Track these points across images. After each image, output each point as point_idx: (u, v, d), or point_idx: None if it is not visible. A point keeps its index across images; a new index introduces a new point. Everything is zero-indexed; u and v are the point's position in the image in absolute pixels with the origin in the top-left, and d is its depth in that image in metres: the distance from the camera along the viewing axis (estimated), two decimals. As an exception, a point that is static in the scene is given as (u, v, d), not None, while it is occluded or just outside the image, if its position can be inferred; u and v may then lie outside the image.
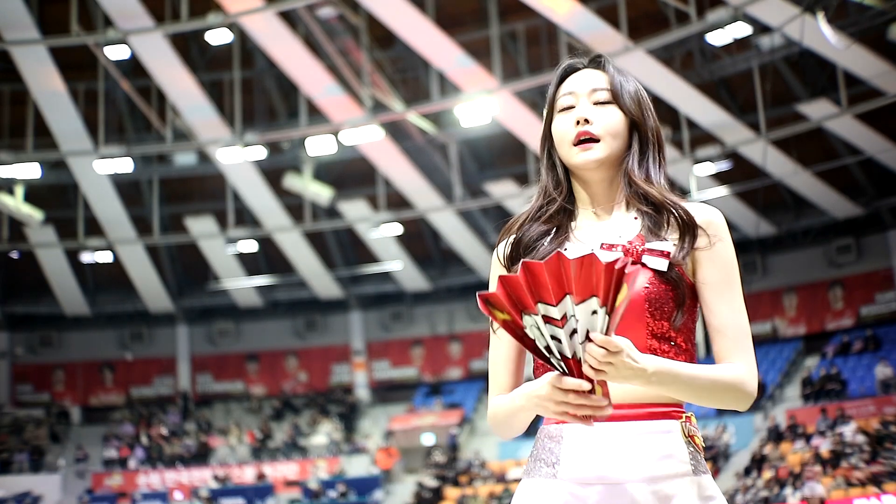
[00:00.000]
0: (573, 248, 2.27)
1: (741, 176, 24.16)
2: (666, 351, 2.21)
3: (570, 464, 2.20)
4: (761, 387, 25.24)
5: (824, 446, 21.42)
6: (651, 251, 2.21)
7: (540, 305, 1.90)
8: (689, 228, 2.25)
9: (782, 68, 23.51)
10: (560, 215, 2.37)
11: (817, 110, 22.45)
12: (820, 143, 23.82)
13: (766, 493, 20.62)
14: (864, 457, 20.45)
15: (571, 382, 1.95)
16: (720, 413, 25.04)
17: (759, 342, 27.20)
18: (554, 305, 1.89)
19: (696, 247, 2.25)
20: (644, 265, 2.21)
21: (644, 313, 2.20)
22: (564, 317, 1.90)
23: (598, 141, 2.31)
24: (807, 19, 19.33)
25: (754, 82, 22.86)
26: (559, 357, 1.95)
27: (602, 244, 2.26)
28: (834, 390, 23.92)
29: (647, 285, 2.20)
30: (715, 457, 23.26)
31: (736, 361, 2.22)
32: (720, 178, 24.29)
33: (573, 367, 1.95)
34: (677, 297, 2.22)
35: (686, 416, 2.25)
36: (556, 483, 2.21)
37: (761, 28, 21.53)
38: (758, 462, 22.20)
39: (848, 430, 21.59)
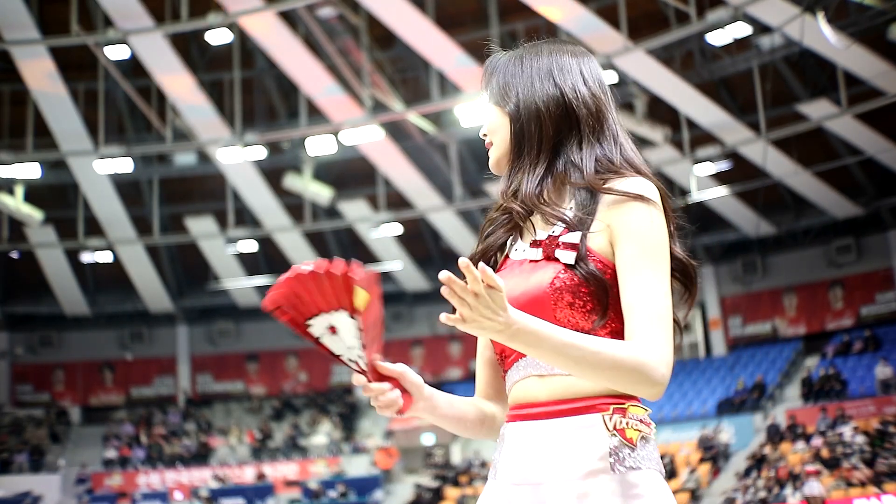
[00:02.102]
0: (518, 249, 2.26)
1: (741, 176, 24.16)
2: None
3: (505, 465, 2.21)
4: (761, 387, 25.24)
5: (824, 446, 21.42)
6: (563, 244, 2.13)
7: (314, 318, 2.06)
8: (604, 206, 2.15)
9: (782, 68, 23.51)
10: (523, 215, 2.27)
11: (817, 110, 22.45)
12: (820, 143, 23.82)
13: (766, 493, 20.62)
14: (864, 457, 20.45)
15: (357, 379, 2.10)
16: (720, 413, 25.05)
17: (759, 342, 27.22)
18: (319, 314, 2.05)
19: (607, 224, 2.12)
20: (557, 259, 2.13)
21: (550, 308, 2.10)
22: (332, 326, 2.05)
23: (491, 145, 2.32)
24: (807, 19, 19.33)
25: (754, 82, 22.86)
26: (349, 359, 2.10)
27: (531, 241, 2.21)
28: (834, 390, 23.92)
29: (554, 280, 2.11)
30: (715, 457, 23.26)
31: (638, 340, 2.02)
32: (720, 178, 24.29)
33: (361, 368, 2.10)
34: (593, 293, 2.10)
35: (615, 408, 2.10)
36: (496, 484, 2.23)
37: (761, 28, 21.53)
38: (758, 462, 22.21)
39: (848, 430, 21.59)
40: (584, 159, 2.20)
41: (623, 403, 2.11)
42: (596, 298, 2.11)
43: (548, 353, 1.99)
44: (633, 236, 2.09)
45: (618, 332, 2.11)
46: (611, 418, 2.10)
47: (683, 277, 2.22)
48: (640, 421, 2.11)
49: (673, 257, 2.17)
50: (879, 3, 19.81)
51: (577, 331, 2.08)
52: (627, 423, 2.10)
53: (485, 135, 2.32)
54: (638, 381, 2.01)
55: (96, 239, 27.32)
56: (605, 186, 2.14)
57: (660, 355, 2.02)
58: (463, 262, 1.88)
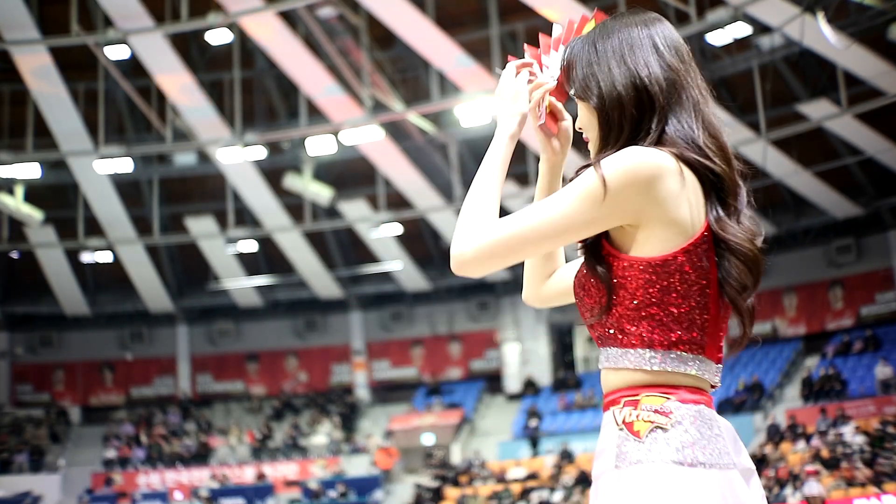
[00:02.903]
0: None
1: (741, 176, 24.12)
2: (609, 339, 2.13)
3: None
4: (761, 387, 25.24)
5: (824, 446, 21.42)
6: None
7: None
8: None
9: (782, 68, 23.51)
10: None
11: (817, 110, 22.45)
12: (820, 143, 23.82)
13: (766, 493, 20.59)
14: (864, 457, 20.45)
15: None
16: (720, 412, 25.01)
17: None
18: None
19: None
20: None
21: (577, 302, 2.20)
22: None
23: (588, 140, 2.31)
24: (807, 19, 19.33)
25: (754, 82, 22.86)
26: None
27: None
28: (834, 390, 23.92)
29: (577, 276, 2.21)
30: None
31: (495, 219, 2.09)
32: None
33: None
34: (601, 286, 2.11)
35: (627, 401, 2.07)
36: None
37: (761, 28, 21.53)
38: (757, 462, 22.22)
39: (848, 430, 21.59)
40: (654, 137, 2.12)
41: (637, 394, 2.07)
42: (601, 294, 2.11)
43: (488, 157, 2.19)
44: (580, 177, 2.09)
45: (617, 332, 2.10)
46: (620, 411, 2.07)
47: (743, 264, 2.09)
48: (655, 411, 2.03)
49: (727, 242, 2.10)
50: (879, 3, 19.81)
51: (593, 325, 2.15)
52: (638, 416, 2.04)
53: (580, 129, 2.28)
54: (457, 233, 2.10)
55: (96, 239, 27.32)
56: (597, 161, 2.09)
57: (480, 235, 2.07)
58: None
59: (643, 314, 2.07)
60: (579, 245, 2.14)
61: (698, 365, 2.08)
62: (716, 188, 2.12)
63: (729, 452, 2.04)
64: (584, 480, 23.32)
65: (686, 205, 2.06)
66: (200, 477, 27.84)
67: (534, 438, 26.24)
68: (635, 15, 2.23)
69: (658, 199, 2.04)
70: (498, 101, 2.26)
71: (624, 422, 2.05)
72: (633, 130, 2.13)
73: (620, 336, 2.10)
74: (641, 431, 2.02)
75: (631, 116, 2.13)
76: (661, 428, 2.01)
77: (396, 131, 25.54)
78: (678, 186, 2.06)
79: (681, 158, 2.08)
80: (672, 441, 2.00)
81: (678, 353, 2.07)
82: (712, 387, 2.14)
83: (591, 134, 2.23)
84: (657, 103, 2.12)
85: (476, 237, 2.07)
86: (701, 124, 2.14)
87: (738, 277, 2.07)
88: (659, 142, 2.10)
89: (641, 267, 2.06)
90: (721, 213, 2.10)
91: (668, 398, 2.05)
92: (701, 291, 2.07)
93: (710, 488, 1.97)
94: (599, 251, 2.11)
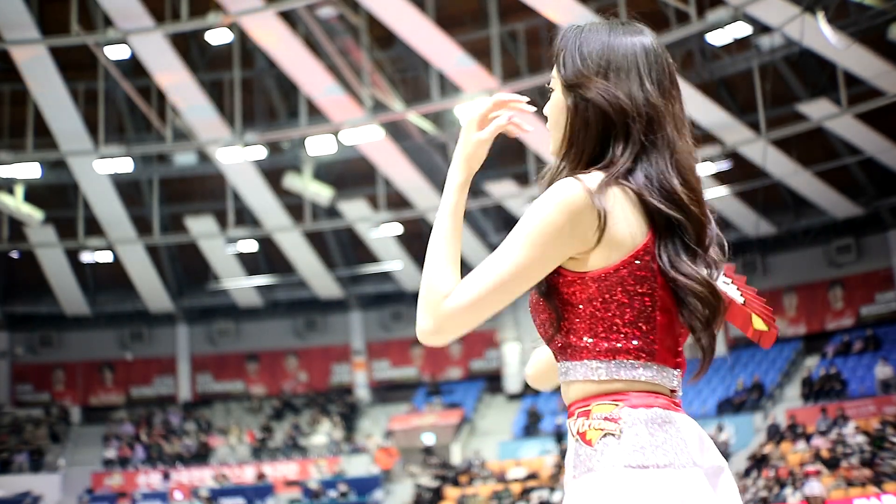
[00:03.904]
0: None
1: (741, 176, 24.15)
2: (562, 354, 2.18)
3: None
4: (761, 387, 25.23)
5: (824, 446, 21.42)
6: None
7: None
8: None
9: (782, 68, 23.51)
10: None
11: (817, 110, 22.45)
12: (820, 143, 23.81)
13: (766, 493, 20.62)
14: (864, 457, 20.45)
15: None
16: (720, 412, 25.05)
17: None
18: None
19: None
20: None
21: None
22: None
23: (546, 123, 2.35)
24: (807, 19, 19.33)
25: (754, 82, 22.85)
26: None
27: None
28: (834, 390, 23.92)
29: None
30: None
31: (455, 282, 2.08)
32: (720, 178, 24.29)
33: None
34: (550, 310, 2.17)
35: (580, 412, 2.13)
36: None
37: (761, 28, 21.52)
38: (758, 462, 22.20)
39: (848, 430, 21.59)
40: (621, 171, 2.12)
41: (588, 405, 2.12)
42: (550, 317, 2.16)
43: (439, 212, 2.19)
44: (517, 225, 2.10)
45: (567, 347, 2.15)
46: (575, 422, 2.14)
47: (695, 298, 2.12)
48: (605, 419, 2.08)
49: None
50: (879, 3, 19.81)
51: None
52: (590, 425, 2.09)
53: (546, 114, 2.26)
54: (420, 304, 2.09)
55: (96, 239, 27.31)
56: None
57: (447, 302, 2.05)
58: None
59: (589, 327, 2.12)
60: None
61: (648, 371, 2.12)
62: (680, 230, 2.13)
63: (686, 452, 2.06)
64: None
65: (623, 223, 2.09)
66: (200, 477, 27.84)
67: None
68: (623, 27, 2.24)
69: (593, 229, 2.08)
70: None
71: (578, 432, 2.11)
72: (598, 153, 2.15)
73: (570, 350, 2.15)
74: (593, 440, 2.07)
75: (595, 137, 2.15)
76: (612, 434, 2.06)
77: (396, 131, 25.54)
78: (615, 209, 2.08)
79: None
80: (623, 446, 2.04)
81: (625, 361, 2.11)
82: (673, 391, 2.16)
83: (555, 133, 2.24)
84: (631, 138, 2.13)
85: (436, 310, 2.06)
86: (675, 167, 2.15)
87: (696, 312, 2.11)
88: (608, 170, 2.12)
89: (585, 282, 2.10)
90: (679, 252, 2.12)
91: (617, 405, 2.09)
92: (646, 301, 2.10)
93: (662, 489, 2.00)
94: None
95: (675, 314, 2.13)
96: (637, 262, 2.09)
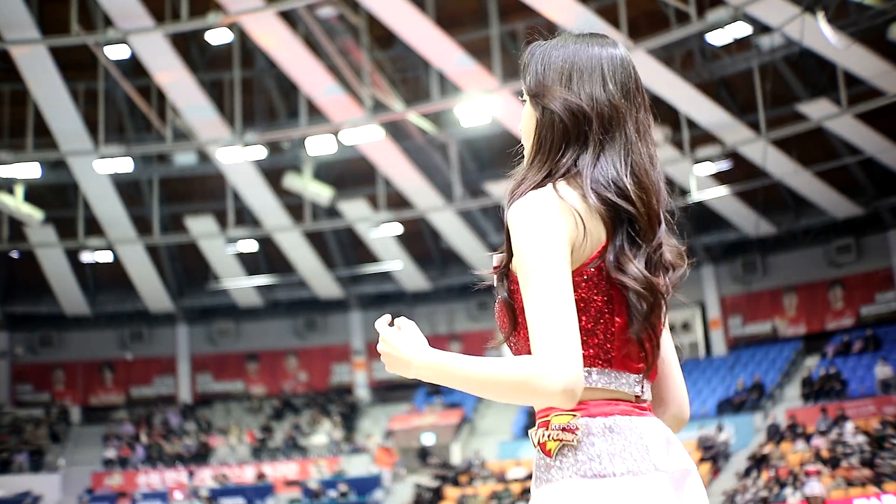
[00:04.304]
0: None
1: (741, 176, 24.15)
2: None
3: None
4: (761, 387, 25.24)
5: (824, 446, 21.42)
6: (494, 266, 2.22)
7: None
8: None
9: (782, 68, 23.51)
10: None
11: (817, 110, 22.45)
12: (820, 143, 23.81)
13: (766, 493, 20.62)
14: (864, 457, 20.45)
15: None
16: (720, 412, 25.05)
17: (759, 342, 27.21)
18: None
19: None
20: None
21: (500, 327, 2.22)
22: None
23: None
24: (807, 19, 19.33)
25: (754, 82, 22.85)
26: None
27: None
28: (834, 390, 23.92)
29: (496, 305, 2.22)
30: (715, 457, 23.27)
31: (527, 355, 2.04)
32: (720, 178, 24.29)
33: None
34: (506, 312, 2.17)
35: (540, 423, 2.14)
36: None
37: (761, 28, 21.52)
38: (758, 462, 22.20)
39: (848, 430, 21.59)
40: (571, 169, 2.17)
41: (547, 415, 2.12)
42: (508, 317, 2.17)
43: (458, 384, 2.09)
44: (515, 255, 2.09)
45: (524, 353, 2.14)
46: (535, 433, 2.15)
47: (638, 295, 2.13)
48: (563, 429, 2.09)
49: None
50: (879, 3, 19.81)
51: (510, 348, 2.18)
52: (549, 435, 2.10)
53: (520, 130, 2.32)
54: (532, 393, 1.99)
55: (96, 239, 27.31)
56: (508, 207, 2.15)
57: (545, 366, 1.97)
58: (378, 325, 2.22)
59: None
60: (493, 270, 2.20)
61: (605, 378, 2.12)
62: (629, 224, 2.14)
63: (647, 458, 2.06)
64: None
65: (579, 237, 2.10)
66: (200, 477, 27.84)
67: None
68: (591, 38, 2.26)
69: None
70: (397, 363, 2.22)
71: (539, 442, 2.12)
72: (559, 156, 2.18)
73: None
74: (552, 450, 2.09)
75: (560, 140, 2.19)
76: (569, 444, 2.08)
77: (396, 131, 25.54)
78: (572, 227, 2.10)
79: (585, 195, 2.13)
80: (579, 456, 2.06)
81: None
82: (637, 397, 2.16)
83: (527, 143, 2.28)
84: (590, 136, 2.17)
85: (556, 366, 1.98)
86: (629, 165, 2.16)
87: (633, 308, 2.11)
88: (569, 174, 2.16)
89: None
90: (624, 248, 2.12)
91: (574, 415, 2.09)
92: (601, 308, 2.11)
93: (618, 497, 2.02)
94: (505, 276, 2.17)
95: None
96: (591, 268, 2.10)
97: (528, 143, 2.27)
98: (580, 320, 2.07)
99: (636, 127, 2.20)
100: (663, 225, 2.20)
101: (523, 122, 2.29)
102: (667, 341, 2.31)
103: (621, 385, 2.13)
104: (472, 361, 2.06)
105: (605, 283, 2.11)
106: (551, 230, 2.07)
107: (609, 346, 2.12)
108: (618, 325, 2.12)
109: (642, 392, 2.17)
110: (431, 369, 2.10)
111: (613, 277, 2.10)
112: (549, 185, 2.13)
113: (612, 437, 2.07)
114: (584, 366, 2.08)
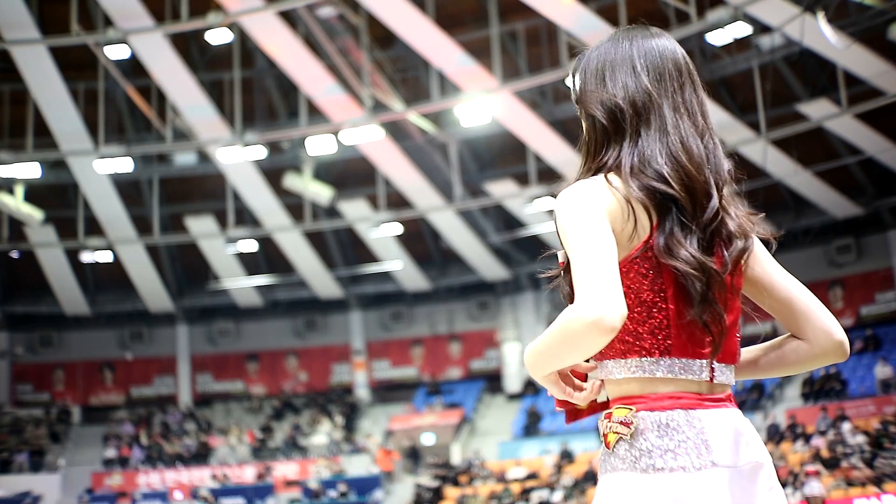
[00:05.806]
0: None
1: (741, 176, 24.12)
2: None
3: None
4: (761, 387, 25.24)
5: (824, 446, 21.42)
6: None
7: None
8: None
9: (782, 68, 23.50)
10: None
11: (817, 110, 22.45)
12: (820, 143, 23.82)
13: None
14: (864, 457, 20.45)
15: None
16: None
17: (759, 342, 27.20)
18: None
19: None
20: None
21: None
22: None
23: None
24: (807, 19, 19.33)
25: (754, 82, 22.85)
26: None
27: None
28: (834, 390, 23.92)
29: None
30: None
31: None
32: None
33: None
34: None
35: (606, 414, 2.18)
36: None
37: (761, 28, 21.53)
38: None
39: (848, 430, 21.59)
40: (612, 163, 2.21)
41: (611, 408, 2.17)
42: None
43: (541, 364, 2.11)
44: (560, 236, 2.13)
45: None
46: (601, 424, 2.18)
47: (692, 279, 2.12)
48: (621, 422, 2.12)
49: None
50: (879, 3, 19.81)
51: None
52: (610, 428, 2.14)
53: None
54: (574, 335, 1.96)
55: (96, 239, 27.31)
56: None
57: (584, 300, 1.95)
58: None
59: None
60: (560, 265, 2.25)
61: (664, 367, 2.12)
62: (676, 207, 2.15)
63: (705, 454, 2.07)
64: (583, 480, 23.32)
65: (624, 221, 2.12)
66: (200, 477, 27.84)
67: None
68: (626, 32, 2.31)
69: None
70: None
71: (603, 434, 2.17)
72: (603, 154, 2.23)
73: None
74: (611, 442, 2.13)
75: (602, 139, 2.23)
76: (624, 438, 2.11)
77: (396, 131, 25.54)
78: (615, 208, 2.12)
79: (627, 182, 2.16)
80: (633, 450, 2.10)
81: (637, 359, 2.13)
82: (706, 383, 2.15)
83: (583, 148, 2.33)
84: (626, 128, 2.21)
85: (588, 301, 1.97)
86: (665, 145, 2.18)
87: (691, 291, 2.12)
88: (615, 167, 2.19)
89: None
90: (674, 232, 2.13)
91: (630, 409, 2.12)
92: (654, 296, 2.12)
93: (668, 492, 2.04)
94: (568, 272, 2.20)
95: (688, 304, 2.13)
96: (638, 258, 2.11)
97: (583, 149, 2.33)
98: (633, 311, 2.10)
99: (673, 105, 2.22)
100: (715, 197, 2.22)
101: (583, 132, 2.34)
102: (780, 279, 2.46)
103: (684, 372, 2.13)
104: (537, 338, 2.09)
105: (654, 271, 2.12)
106: (590, 201, 2.09)
107: (664, 333, 2.12)
108: (672, 311, 2.12)
109: (714, 376, 2.17)
110: (530, 367, 2.14)
111: (664, 262, 2.11)
112: (600, 175, 2.18)
113: (668, 432, 2.09)
114: (641, 356, 2.11)
